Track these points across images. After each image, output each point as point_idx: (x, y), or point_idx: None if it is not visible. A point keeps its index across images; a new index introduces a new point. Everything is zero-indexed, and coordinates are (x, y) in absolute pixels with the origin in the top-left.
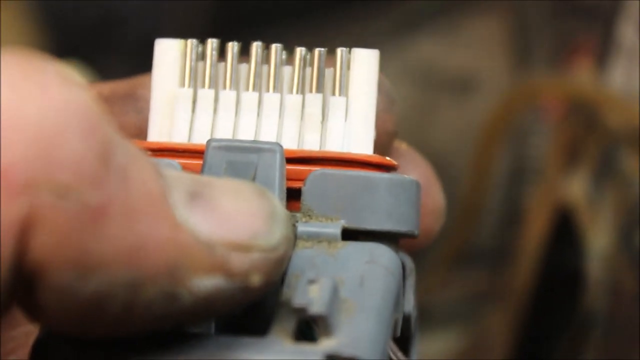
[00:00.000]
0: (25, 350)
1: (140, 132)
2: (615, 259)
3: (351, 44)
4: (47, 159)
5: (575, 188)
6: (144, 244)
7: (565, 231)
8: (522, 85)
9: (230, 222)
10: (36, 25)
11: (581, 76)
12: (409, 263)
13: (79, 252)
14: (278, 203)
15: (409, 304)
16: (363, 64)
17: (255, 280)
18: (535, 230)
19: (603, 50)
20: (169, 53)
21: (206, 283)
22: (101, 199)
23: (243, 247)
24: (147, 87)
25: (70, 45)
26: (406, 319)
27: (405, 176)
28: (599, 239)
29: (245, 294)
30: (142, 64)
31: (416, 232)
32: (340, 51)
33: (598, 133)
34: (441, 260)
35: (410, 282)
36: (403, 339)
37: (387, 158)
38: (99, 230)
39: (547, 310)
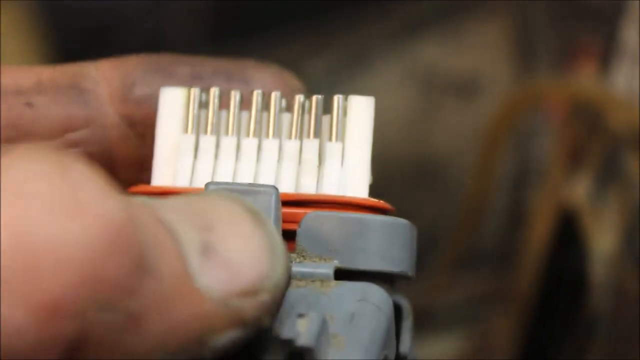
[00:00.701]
0: None
1: (88, 124)
2: (619, 261)
3: (354, 48)
4: (94, 280)
5: (579, 190)
6: (176, 328)
7: (568, 233)
8: (525, 88)
9: (238, 271)
10: (37, 27)
11: (584, 78)
12: (406, 305)
13: (121, 354)
14: (273, 229)
15: (405, 345)
16: (359, 111)
17: (266, 322)
18: (538, 232)
19: (606, 52)
20: (173, 101)
21: (225, 337)
22: (140, 303)
23: (252, 292)
24: (91, 79)
25: (71, 47)
26: (402, 359)
27: (399, 219)
28: (602, 241)
29: (254, 333)
30: None
31: (409, 273)
32: (336, 98)
33: (601, 135)
34: (445, 262)
35: (407, 324)
36: None
37: (382, 201)
38: (139, 331)
39: (551, 312)
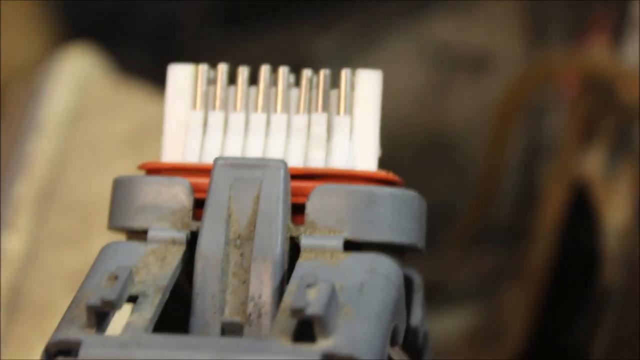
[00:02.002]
0: None
1: None
2: (632, 234)
3: (365, 24)
4: None
5: (592, 164)
6: None
7: (581, 208)
8: (537, 63)
9: None
10: (51, 11)
11: (597, 52)
12: (417, 278)
13: None
14: None
15: (416, 318)
16: (367, 85)
17: None
18: (551, 207)
19: (619, 26)
20: (182, 77)
21: None
22: None
23: None
24: None
25: (86, 30)
26: (413, 332)
27: (408, 190)
28: (615, 216)
29: None
30: (159, 49)
31: (419, 245)
32: (344, 72)
33: (614, 109)
34: (457, 239)
35: (418, 297)
36: (415, 353)
37: (390, 174)
38: None
39: (564, 287)
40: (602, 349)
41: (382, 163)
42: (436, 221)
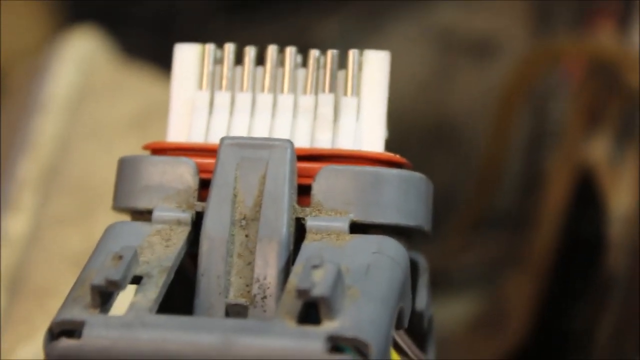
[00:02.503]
0: None
1: None
2: (637, 221)
3: (369, 8)
4: None
5: (597, 150)
6: None
7: (586, 194)
8: (543, 48)
9: None
10: None
11: (603, 38)
12: (423, 262)
13: None
14: None
15: (422, 301)
16: (374, 66)
17: None
18: (556, 193)
19: (625, 11)
20: (188, 57)
21: None
22: None
23: None
24: None
25: (86, 9)
26: (419, 316)
27: (415, 172)
28: (620, 202)
29: None
30: (162, 32)
31: (425, 228)
32: (352, 53)
33: (620, 95)
34: (461, 224)
35: (424, 280)
36: (419, 337)
37: (397, 155)
38: None
39: (568, 273)
40: (605, 336)
41: (387, 146)
42: (439, 207)
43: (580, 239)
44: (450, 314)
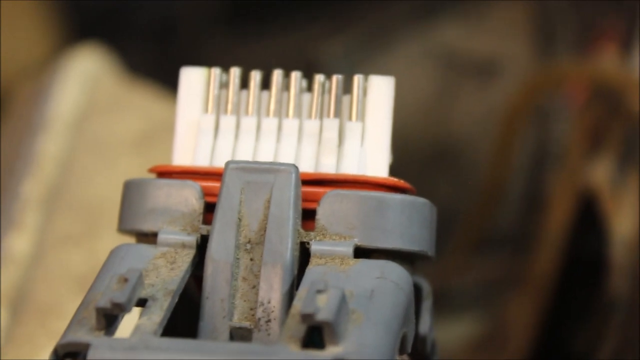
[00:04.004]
0: None
1: None
2: (639, 244)
3: (373, 28)
4: None
5: (599, 173)
6: None
7: (588, 216)
8: (545, 70)
9: None
10: (57, 9)
11: (606, 61)
12: (426, 286)
13: None
14: None
15: (425, 326)
16: (379, 91)
17: None
18: (558, 215)
19: (628, 34)
20: (194, 80)
21: None
22: None
23: None
24: None
25: (88, 27)
26: (422, 340)
27: (419, 198)
28: (622, 225)
29: None
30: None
31: (429, 253)
32: (357, 78)
33: (622, 118)
34: (462, 245)
35: (427, 304)
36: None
37: (402, 181)
38: None
39: (569, 296)
40: (606, 358)
41: (391, 167)
42: (441, 227)
43: (582, 261)
44: (451, 334)
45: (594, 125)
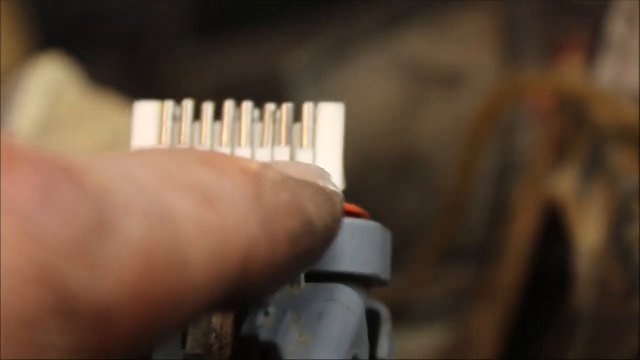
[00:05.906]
0: None
1: None
2: (604, 256)
3: (339, 39)
4: None
5: (564, 184)
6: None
7: (553, 228)
8: (510, 81)
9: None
10: (21, 18)
11: (570, 72)
12: (384, 311)
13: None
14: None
15: (383, 350)
16: (329, 118)
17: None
18: (523, 226)
19: (592, 46)
20: (148, 114)
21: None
22: None
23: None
24: None
25: (55, 38)
26: None
27: (371, 222)
28: (587, 236)
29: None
30: (127, 57)
31: (382, 276)
32: (307, 106)
33: (587, 129)
34: (428, 256)
35: (386, 329)
36: None
37: (353, 205)
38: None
39: (534, 308)
40: None
41: (354, 180)
42: (405, 238)
43: (547, 272)
44: (417, 345)
45: (559, 136)
